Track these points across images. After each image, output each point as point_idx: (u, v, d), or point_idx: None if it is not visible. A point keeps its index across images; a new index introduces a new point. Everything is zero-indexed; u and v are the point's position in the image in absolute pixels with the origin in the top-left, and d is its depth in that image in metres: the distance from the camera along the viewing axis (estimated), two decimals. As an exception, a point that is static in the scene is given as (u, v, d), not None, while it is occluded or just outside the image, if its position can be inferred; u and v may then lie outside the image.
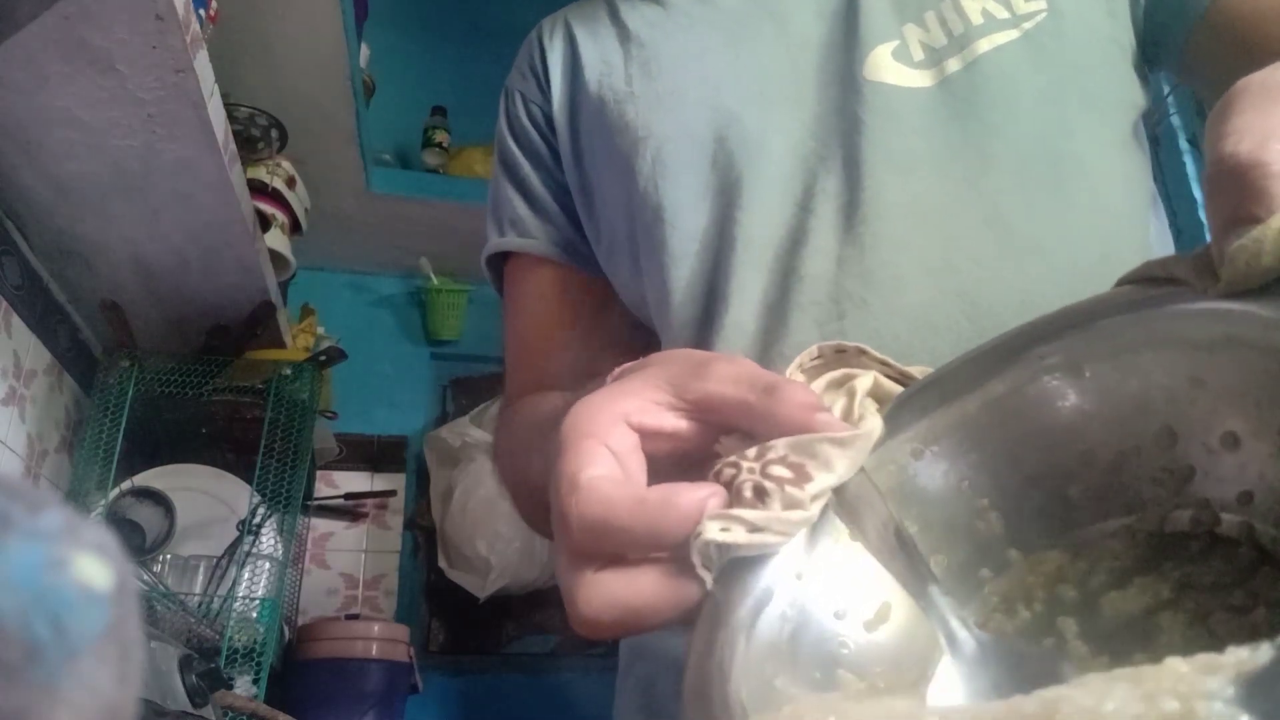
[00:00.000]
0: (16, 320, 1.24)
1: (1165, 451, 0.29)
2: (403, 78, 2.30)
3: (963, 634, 0.28)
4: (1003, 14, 0.55)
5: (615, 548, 0.28)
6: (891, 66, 0.55)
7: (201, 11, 1.04)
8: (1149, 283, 0.30)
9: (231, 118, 1.25)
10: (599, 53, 0.65)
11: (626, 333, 0.66)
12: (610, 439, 0.30)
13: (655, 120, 0.60)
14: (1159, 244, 0.57)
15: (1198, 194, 1.48)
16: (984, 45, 0.54)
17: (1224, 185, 0.26)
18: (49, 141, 1.07)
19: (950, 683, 0.28)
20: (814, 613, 0.30)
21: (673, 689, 0.61)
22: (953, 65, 0.55)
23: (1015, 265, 0.51)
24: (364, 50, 1.85)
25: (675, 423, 0.31)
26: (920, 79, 0.55)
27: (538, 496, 0.44)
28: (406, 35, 2.40)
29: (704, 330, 0.55)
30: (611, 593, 0.28)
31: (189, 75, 0.98)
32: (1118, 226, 0.54)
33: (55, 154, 1.09)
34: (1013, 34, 0.55)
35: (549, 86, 0.67)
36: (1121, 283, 0.31)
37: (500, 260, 0.71)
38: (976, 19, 0.55)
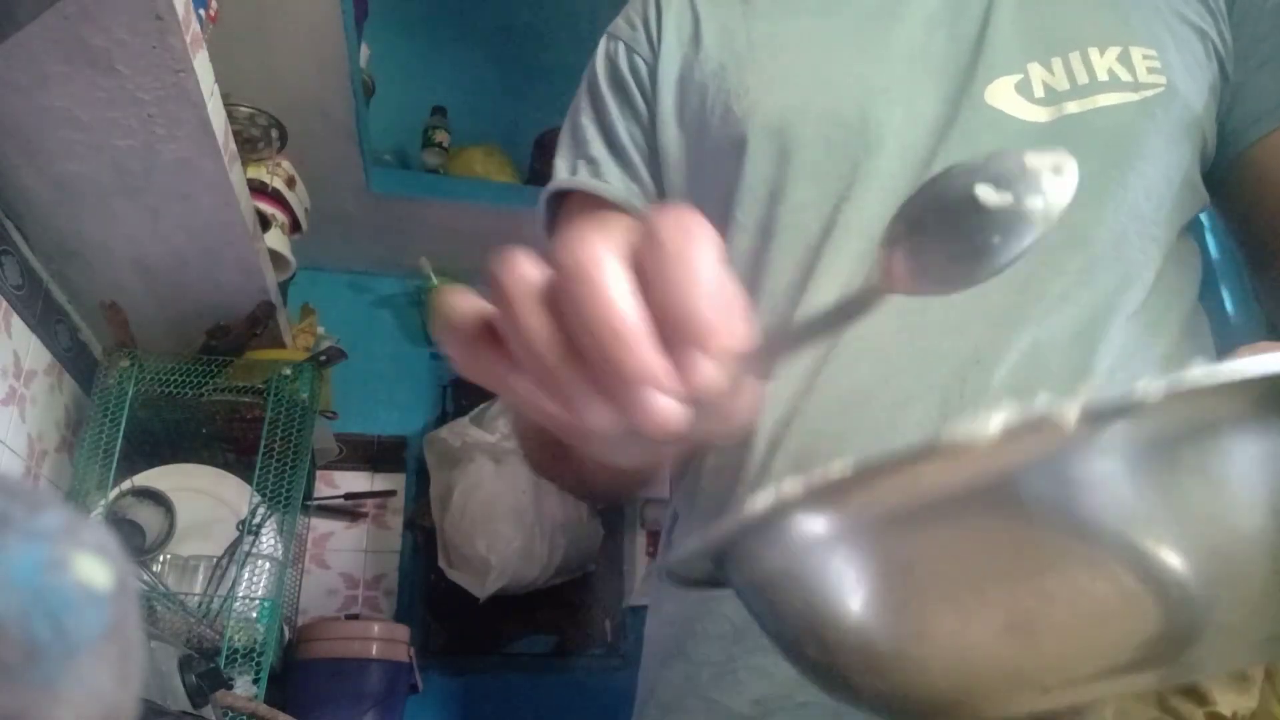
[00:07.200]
0: (16, 320, 1.24)
1: None
2: (403, 78, 2.30)
3: None
4: (1126, 77, 0.58)
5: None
6: (1012, 97, 0.58)
7: (201, 11, 1.04)
8: None
9: (231, 118, 1.25)
10: (721, 20, 0.66)
11: None
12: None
13: (776, 93, 0.61)
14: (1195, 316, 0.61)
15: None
16: (1104, 100, 0.57)
17: None
18: (49, 141, 1.07)
19: None
20: None
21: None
22: (1071, 108, 0.57)
23: (1077, 276, 0.55)
24: (364, 50, 1.84)
25: None
26: (1037, 114, 0.58)
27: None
28: (406, 35, 2.39)
29: (794, 297, 0.58)
30: None
31: (189, 75, 0.98)
32: (1166, 291, 0.59)
33: (55, 154, 1.09)
34: (1132, 96, 0.58)
35: (659, 44, 0.67)
36: None
37: (556, 200, 0.70)
38: (1102, 75, 0.58)
